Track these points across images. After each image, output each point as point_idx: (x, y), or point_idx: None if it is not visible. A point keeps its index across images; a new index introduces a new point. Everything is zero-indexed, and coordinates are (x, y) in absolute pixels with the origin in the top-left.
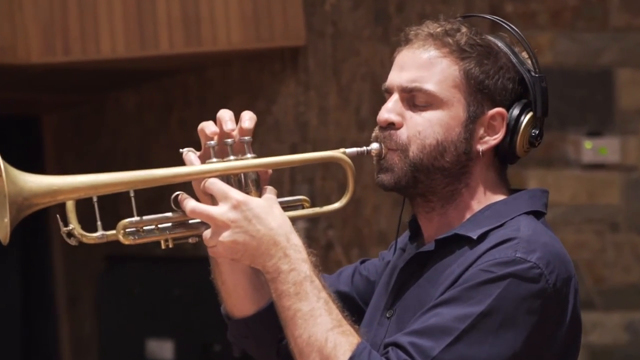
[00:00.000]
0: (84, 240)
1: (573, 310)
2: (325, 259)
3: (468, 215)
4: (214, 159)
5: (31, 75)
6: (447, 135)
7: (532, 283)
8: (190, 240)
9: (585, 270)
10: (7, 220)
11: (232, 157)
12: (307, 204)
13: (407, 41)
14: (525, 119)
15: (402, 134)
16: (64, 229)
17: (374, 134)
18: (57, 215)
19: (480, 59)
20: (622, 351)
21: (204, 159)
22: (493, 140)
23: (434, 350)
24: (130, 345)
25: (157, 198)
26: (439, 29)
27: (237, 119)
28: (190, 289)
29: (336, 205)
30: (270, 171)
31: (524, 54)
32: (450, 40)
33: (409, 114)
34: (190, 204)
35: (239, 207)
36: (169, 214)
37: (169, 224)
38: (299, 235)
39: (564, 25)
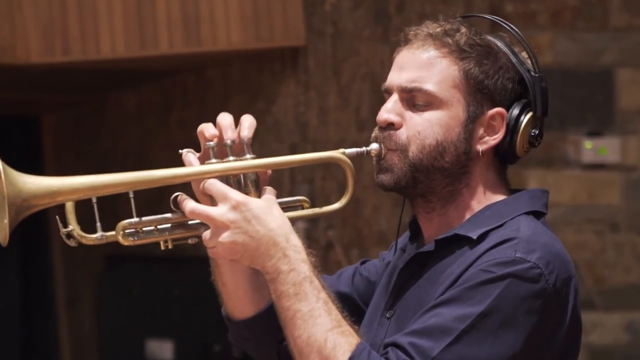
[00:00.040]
0: (84, 241)
1: (573, 311)
2: (325, 259)
3: (468, 216)
4: (213, 160)
5: (31, 75)
6: (446, 135)
7: (532, 283)
8: (189, 241)
9: (586, 270)
10: (6, 221)
11: (231, 158)
12: (306, 205)
13: (407, 41)
14: (525, 118)
15: (402, 134)
16: (63, 230)
17: (373, 134)
18: (57, 217)
19: (479, 59)
20: (623, 351)
21: (203, 160)
22: (493, 140)
23: (434, 350)
24: (130, 346)
25: (157, 198)
26: (438, 29)
27: (237, 119)
28: (190, 289)
29: (336, 206)
30: (269, 172)
31: (524, 54)
32: (450, 41)
33: (408, 114)
34: (189, 204)
35: (238, 208)
36: (169, 215)
37: (169, 225)
38: (298, 235)
39: (564, 25)
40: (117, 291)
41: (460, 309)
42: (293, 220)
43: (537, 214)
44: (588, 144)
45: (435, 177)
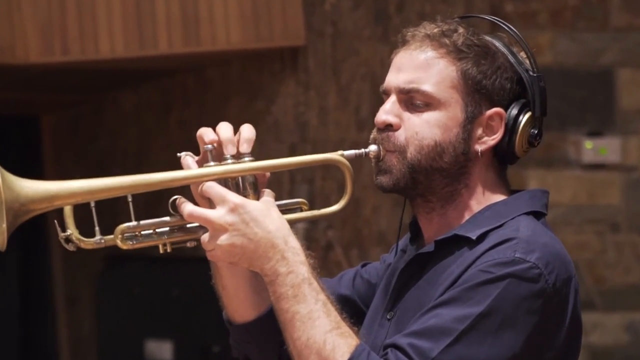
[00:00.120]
0: (82, 245)
1: (573, 311)
2: (325, 259)
3: (467, 216)
4: (212, 163)
5: (30, 75)
6: (445, 136)
7: (532, 283)
8: (188, 245)
9: (586, 270)
10: (4, 226)
11: (229, 161)
12: (305, 207)
13: (404, 42)
14: (524, 118)
15: (400, 135)
16: (61, 235)
17: (372, 136)
18: (55, 221)
19: (477, 59)
20: (623, 352)
21: (201, 163)
22: (492, 140)
23: (433, 351)
24: (129, 346)
25: (156, 200)
26: (435, 30)
27: (237, 119)
28: (190, 289)
29: (334, 208)
30: (268, 174)
31: (522, 54)
32: (447, 41)
33: (406, 115)
34: (187, 207)
35: (237, 210)
36: (167, 219)
37: (167, 229)
38: (297, 237)
39: (564, 25)
40: (117, 291)
41: (459, 309)
42: (292, 223)
43: (537, 215)
44: (588, 144)
45: (434, 178)
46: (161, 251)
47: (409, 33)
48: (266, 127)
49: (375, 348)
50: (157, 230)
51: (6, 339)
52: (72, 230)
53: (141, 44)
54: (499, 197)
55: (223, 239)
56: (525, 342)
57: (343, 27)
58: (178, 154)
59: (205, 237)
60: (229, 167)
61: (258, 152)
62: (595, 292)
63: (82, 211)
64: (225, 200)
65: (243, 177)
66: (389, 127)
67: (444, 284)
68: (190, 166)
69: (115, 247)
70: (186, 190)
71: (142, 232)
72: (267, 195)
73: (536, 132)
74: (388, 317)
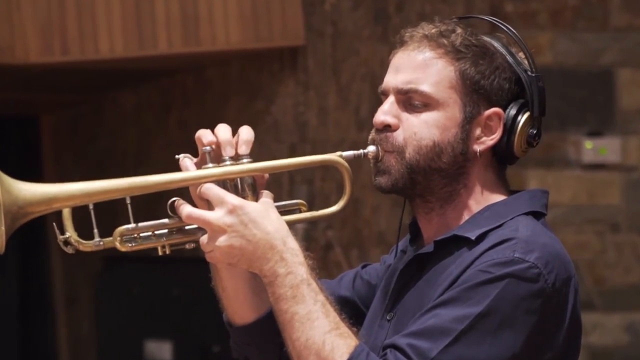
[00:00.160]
0: (81, 248)
1: (573, 311)
2: (324, 259)
3: (467, 216)
4: (210, 165)
5: (29, 75)
6: (443, 136)
7: (531, 283)
8: (187, 246)
9: (586, 270)
10: (2, 229)
11: (228, 162)
12: (304, 208)
13: (402, 43)
14: (522, 118)
15: (398, 135)
16: (60, 237)
17: (370, 137)
18: (54, 224)
19: (475, 59)
20: (623, 352)
21: (200, 165)
22: (490, 140)
23: (432, 351)
24: (129, 346)
25: (155, 201)
26: (433, 30)
27: (237, 119)
28: (189, 289)
29: (333, 209)
30: (266, 175)
31: (521, 54)
32: (445, 41)
33: (404, 115)
34: (186, 209)
35: (235, 212)
36: (166, 220)
37: (166, 230)
38: (296, 238)
39: (564, 25)
40: (116, 292)
41: (458, 309)
42: (291, 224)
43: (537, 215)
44: (588, 144)
45: (432, 178)
46: (160, 253)
47: (407, 34)
48: (266, 127)
49: (375, 349)
50: (156, 232)
51: (6, 339)
52: (70, 233)
53: (141, 44)
54: (499, 198)
55: (222, 241)
56: (525, 342)
57: (343, 27)
58: (176, 156)
59: (204, 239)
60: (227, 168)
61: (257, 152)
62: (595, 292)
63: (81, 212)
64: (223, 202)
65: (241, 179)
66: (387, 128)
67: (443, 284)
68: (188, 168)
69: (114, 248)
70: (185, 192)
71: (141, 234)
72: (266, 197)
73: (535, 132)
74: (388, 318)
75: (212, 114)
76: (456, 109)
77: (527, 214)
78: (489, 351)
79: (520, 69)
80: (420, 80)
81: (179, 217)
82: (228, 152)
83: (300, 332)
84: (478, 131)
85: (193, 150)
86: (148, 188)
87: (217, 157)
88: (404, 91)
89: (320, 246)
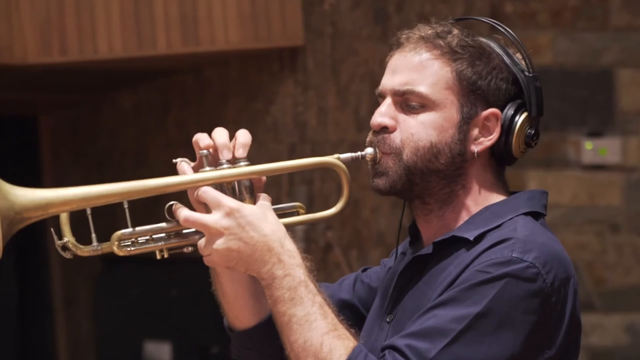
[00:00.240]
0: (79, 253)
1: (572, 311)
2: (324, 260)
3: (466, 217)
4: (207, 168)
5: (28, 76)
6: (440, 137)
7: (529, 282)
8: (185, 250)
9: (586, 271)
10: None
11: (225, 166)
12: (302, 211)
13: (399, 45)
14: (520, 119)
15: (396, 137)
16: (58, 243)
17: (368, 139)
18: (52, 229)
19: (472, 60)
20: (623, 353)
21: (198, 169)
22: (488, 141)
23: (431, 352)
24: (128, 347)
25: (153, 202)
26: (430, 32)
27: (236, 120)
28: (188, 290)
29: (331, 211)
30: (264, 178)
31: (518, 55)
32: (442, 43)
33: (402, 117)
34: (183, 213)
35: (232, 214)
36: (164, 224)
37: (164, 234)
38: (294, 240)
39: (564, 25)
40: (115, 293)
41: (457, 310)
42: (289, 226)
43: (536, 215)
44: (588, 145)
45: (430, 179)
46: (158, 257)
47: (404, 35)
48: (265, 128)
49: (375, 351)
50: (154, 236)
51: (4, 340)
52: (68, 238)
53: (140, 44)
54: (497, 198)
55: (219, 243)
56: (524, 341)
57: (342, 27)
58: (174, 160)
59: (201, 242)
60: (224, 171)
61: (257, 152)
62: (595, 293)
63: (79, 213)
64: (220, 205)
65: (239, 182)
66: (384, 130)
67: (442, 285)
68: (185, 172)
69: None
70: (183, 196)
71: (139, 239)
72: (263, 199)
73: (533, 132)
74: (387, 319)
75: (211, 114)
76: (453, 109)
77: (526, 214)
78: (488, 351)
79: (517, 69)
80: (417, 81)
81: (177, 221)
82: (225, 155)
83: (298, 334)
84: (476, 132)
85: (192, 151)
86: (145, 192)
87: (214, 160)
88: (400, 92)
89: (320, 247)
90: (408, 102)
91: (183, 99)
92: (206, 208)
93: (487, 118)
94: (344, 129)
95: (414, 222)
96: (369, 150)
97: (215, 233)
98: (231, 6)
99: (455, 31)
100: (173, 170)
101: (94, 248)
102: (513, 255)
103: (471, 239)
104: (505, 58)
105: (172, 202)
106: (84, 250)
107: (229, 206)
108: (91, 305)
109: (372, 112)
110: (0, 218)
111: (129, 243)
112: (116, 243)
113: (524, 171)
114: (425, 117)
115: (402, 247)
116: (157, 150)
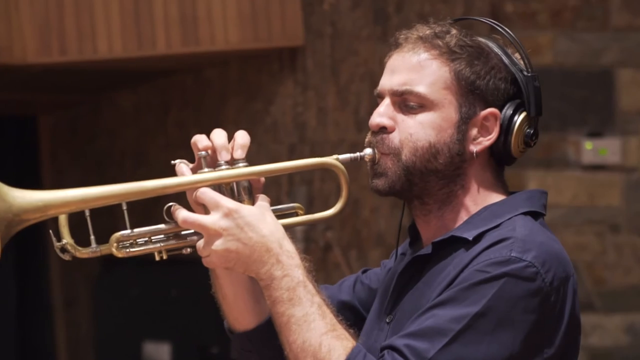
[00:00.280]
0: (78, 254)
1: (571, 310)
2: (323, 260)
3: (465, 217)
4: (206, 169)
5: (27, 75)
6: (439, 137)
7: (528, 282)
8: (184, 251)
9: (586, 271)
10: None
11: (223, 166)
12: (301, 212)
13: (397, 45)
14: (519, 118)
15: (394, 137)
16: (57, 244)
17: (367, 140)
18: (50, 231)
19: (470, 59)
20: (623, 353)
21: (196, 170)
22: (487, 140)
23: (430, 352)
24: (127, 348)
25: (152, 204)
26: (428, 32)
27: (235, 120)
28: (188, 291)
29: (330, 212)
30: (262, 179)
31: (517, 55)
32: (440, 43)
33: (400, 117)
34: (181, 214)
35: (231, 215)
36: (162, 226)
37: (162, 236)
38: (293, 240)
39: (564, 25)
40: (114, 293)
41: (456, 309)
42: (288, 227)
43: (535, 215)
44: (588, 145)
45: (429, 180)
46: (157, 258)
47: (402, 35)
48: (264, 128)
49: (374, 351)
50: (153, 237)
51: (4, 340)
52: (67, 240)
53: (139, 44)
54: (497, 198)
55: (218, 244)
56: (523, 341)
57: (342, 27)
58: (172, 162)
59: (200, 243)
60: (223, 172)
61: (257, 153)
62: (595, 293)
63: (78, 215)
64: (219, 206)
65: (237, 183)
66: (383, 130)
67: (441, 285)
68: (184, 173)
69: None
70: (182, 197)
71: (138, 240)
72: (262, 200)
73: (532, 132)
74: (387, 320)
75: (210, 114)
76: (452, 109)
77: (525, 214)
78: (487, 351)
79: (516, 69)
80: (415, 81)
81: (176, 222)
82: (224, 156)
83: (297, 334)
84: (474, 132)
85: (192, 151)
86: (143, 194)
87: (213, 161)
88: (399, 93)
89: (320, 247)
90: (406, 102)
91: (183, 99)
92: (205, 209)
93: (485, 118)
94: (344, 129)
95: (413, 223)
96: (368, 151)
97: (213, 234)
98: (231, 6)
99: (454, 31)
100: (172, 171)
101: (93, 250)
102: (512, 254)
103: (470, 238)
104: (504, 58)
105: (170, 204)
106: (83, 252)
107: (227, 207)
108: (91, 305)
109: (371, 113)
110: None
111: (128, 244)
112: (115, 245)
113: (524, 171)
114: (424, 117)
115: (402, 247)
116: (156, 150)
